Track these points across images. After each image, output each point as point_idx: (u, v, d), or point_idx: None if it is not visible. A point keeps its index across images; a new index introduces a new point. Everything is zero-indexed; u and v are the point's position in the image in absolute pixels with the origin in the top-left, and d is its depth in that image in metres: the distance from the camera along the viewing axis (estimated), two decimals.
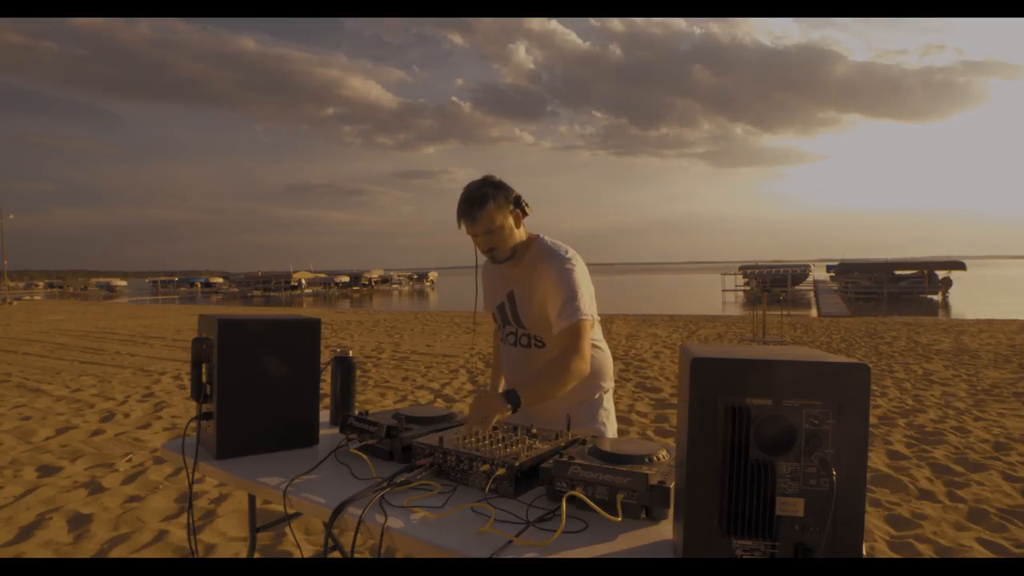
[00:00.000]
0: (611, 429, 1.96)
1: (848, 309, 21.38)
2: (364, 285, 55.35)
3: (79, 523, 3.17)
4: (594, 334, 1.92)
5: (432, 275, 67.07)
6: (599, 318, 1.95)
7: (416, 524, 1.21)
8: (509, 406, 1.59)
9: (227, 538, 2.99)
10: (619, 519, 1.18)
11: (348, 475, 1.48)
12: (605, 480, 1.23)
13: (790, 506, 0.94)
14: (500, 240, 1.79)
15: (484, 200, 1.75)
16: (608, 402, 1.98)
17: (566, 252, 1.84)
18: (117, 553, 2.84)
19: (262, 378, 1.69)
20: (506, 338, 1.97)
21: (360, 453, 1.59)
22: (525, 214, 1.84)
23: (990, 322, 14.40)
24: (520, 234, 1.85)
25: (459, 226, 1.82)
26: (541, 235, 1.91)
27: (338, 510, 1.27)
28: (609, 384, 1.99)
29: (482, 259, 1.95)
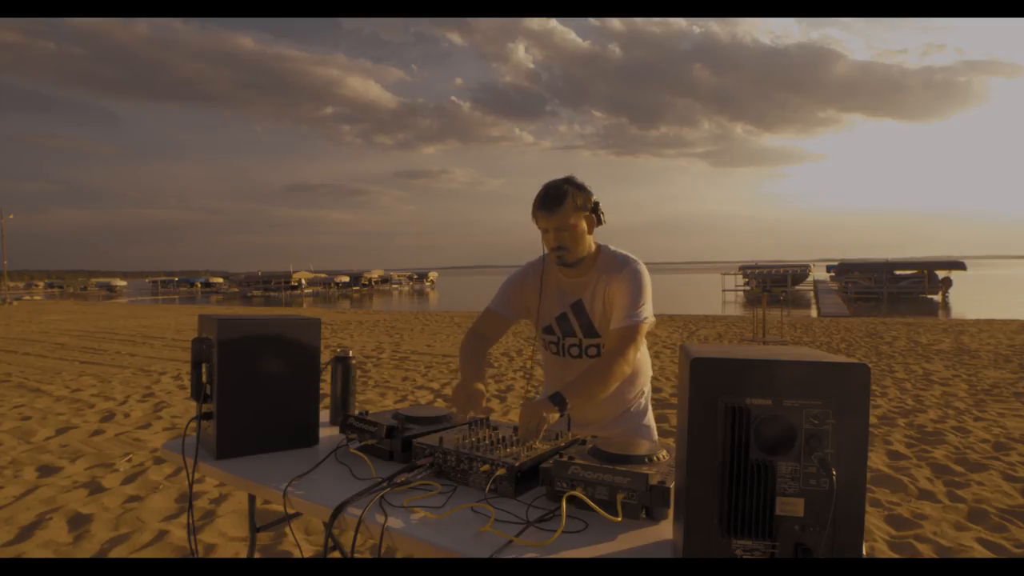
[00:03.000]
0: (654, 426, 2.00)
1: (848, 309, 21.38)
2: (364, 285, 55.36)
3: (79, 523, 3.17)
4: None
5: (432, 275, 67.08)
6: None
7: (416, 524, 1.21)
8: (556, 409, 1.57)
9: (227, 538, 2.99)
10: (619, 519, 1.18)
11: (348, 475, 1.48)
12: (605, 480, 1.23)
13: (790, 506, 0.93)
14: (571, 240, 1.78)
15: (564, 196, 1.74)
16: (649, 408, 2.01)
17: (637, 262, 1.85)
18: (117, 553, 2.84)
19: (262, 378, 1.69)
20: (567, 350, 1.91)
21: (360, 453, 1.59)
22: (600, 222, 1.83)
23: (990, 322, 14.40)
24: (590, 241, 1.84)
25: (534, 219, 1.81)
26: (606, 244, 1.90)
27: (338, 510, 1.27)
28: (649, 389, 2.02)
29: (537, 262, 1.94)
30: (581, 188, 1.79)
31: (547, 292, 1.94)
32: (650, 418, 2.01)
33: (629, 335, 1.73)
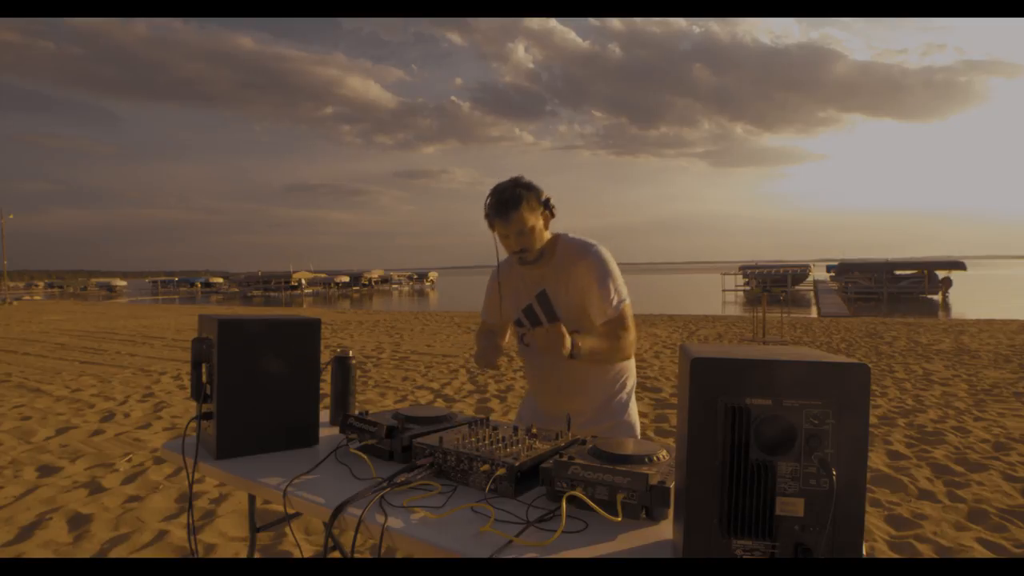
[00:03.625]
0: (637, 422, 2.02)
1: (848, 309, 21.38)
2: (364, 285, 55.36)
3: (79, 523, 3.17)
4: None
5: (432, 275, 67.09)
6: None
7: (416, 524, 1.21)
8: (570, 349, 1.67)
9: (227, 538, 2.99)
10: (619, 519, 1.18)
11: (348, 475, 1.48)
12: (605, 480, 1.23)
13: (790, 506, 0.93)
14: (530, 241, 1.81)
15: (518, 201, 1.77)
16: (632, 401, 2.03)
17: (595, 244, 1.88)
18: (117, 553, 2.84)
19: (262, 378, 1.69)
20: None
21: (360, 453, 1.59)
22: (552, 215, 1.87)
23: (990, 322, 14.40)
24: (547, 235, 1.87)
25: (491, 227, 1.83)
26: (564, 232, 1.93)
27: (338, 510, 1.27)
28: (634, 381, 2.05)
29: (500, 262, 1.98)
30: (531, 187, 1.82)
31: (510, 289, 2.00)
32: (632, 414, 1.99)
33: (620, 323, 1.82)
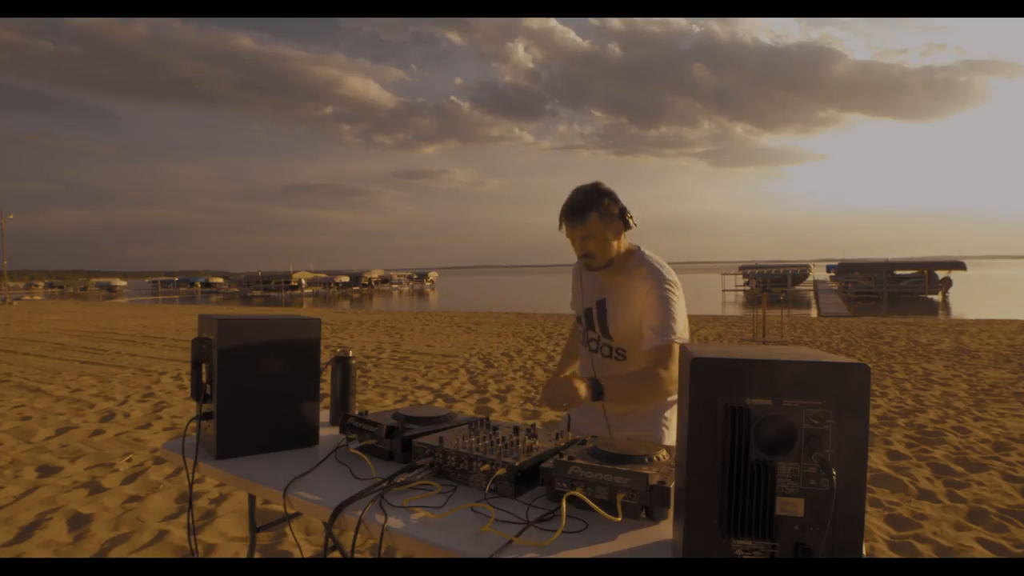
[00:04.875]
0: (670, 438, 1.94)
1: (848, 309, 21.38)
2: (364, 285, 55.36)
3: (79, 523, 3.17)
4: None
5: (432, 275, 67.09)
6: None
7: (416, 524, 1.21)
8: (591, 394, 1.63)
9: (227, 538, 2.99)
10: (619, 519, 1.18)
11: (348, 475, 1.48)
12: (605, 480, 1.23)
13: (790, 506, 0.93)
14: (597, 248, 1.80)
15: (589, 206, 1.76)
16: (672, 412, 1.96)
17: (669, 273, 1.82)
18: (117, 553, 2.84)
19: (262, 378, 1.69)
20: (588, 342, 1.97)
21: (360, 453, 1.59)
22: (628, 227, 1.84)
23: (990, 322, 14.40)
24: (619, 246, 1.84)
25: (560, 227, 1.83)
26: (642, 248, 1.89)
27: (338, 510, 1.27)
28: (675, 396, 1.98)
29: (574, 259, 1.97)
30: (606, 195, 1.79)
31: (584, 287, 1.99)
32: (664, 424, 1.94)
33: (666, 354, 1.72)
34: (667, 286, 1.78)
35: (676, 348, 1.73)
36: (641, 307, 1.79)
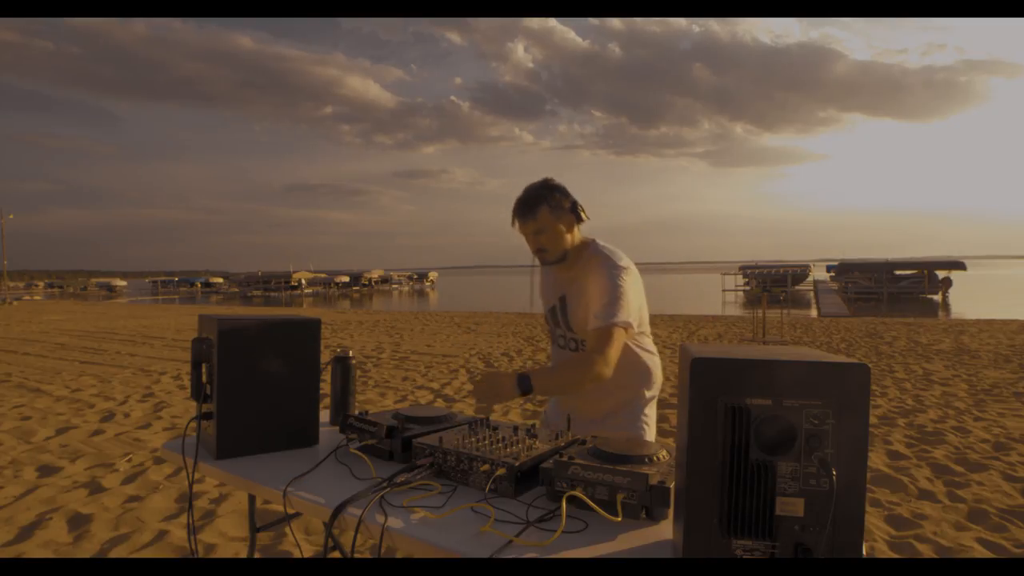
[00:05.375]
0: (651, 435, 1.94)
1: (848, 309, 21.38)
2: (364, 285, 55.36)
3: (79, 523, 3.17)
4: (646, 343, 1.92)
5: (432, 275, 67.10)
6: (649, 333, 1.95)
7: (416, 524, 1.21)
8: (519, 391, 1.59)
9: (227, 538, 2.99)
10: (619, 519, 1.18)
11: (348, 475, 1.48)
12: (605, 480, 1.23)
13: (790, 506, 0.93)
14: (549, 242, 1.81)
15: (539, 202, 1.78)
16: (651, 408, 1.95)
17: (620, 259, 1.82)
18: (117, 553, 2.84)
19: (262, 378, 1.69)
20: (556, 340, 1.99)
21: (360, 453, 1.59)
22: (580, 220, 1.85)
23: (990, 322, 14.40)
24: (572, 239, 1.85)
25: (512, 224, 1.84)
26: (596, 239, 1.90)
27: (338, 510, 1.27)
28: (655, 392, 1.97)
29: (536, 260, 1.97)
30: (556, 189, 1.81)
31: (547, 286, 2.01)
32: (648, 423, 1.94)
33: (603, 336, 1.70)
34: (616, 271, 1.78)
35: (616, 332, 1.71)
36: (593, 295, 1.79)
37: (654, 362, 1.95)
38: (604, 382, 1.70)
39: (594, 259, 1.83)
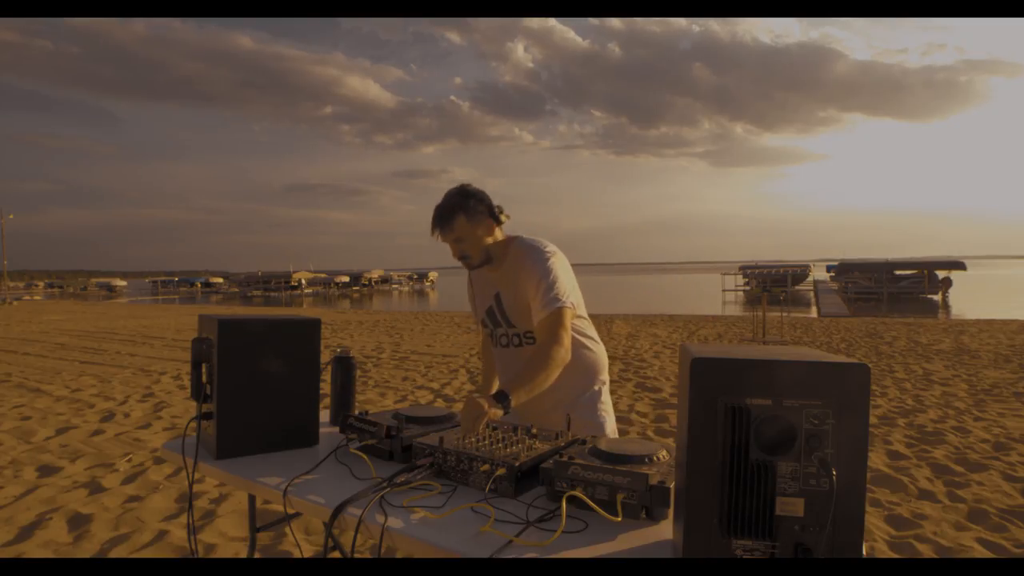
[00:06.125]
0: (610, 423, 1.97)
1: (848, 309, 21.38)
2: (364, 285, 55.36)
3: (79, 523, 3.17)
4: (587, 330, 1.95)
5: (432, 275, 67.10)
6: (588, 318, 1.98)
7: (416, 524, 1.21)
8: (500, 407, 1.59)
9: (227, 538, 2.99)
10: (619, 519, 1.18)
11: (348, 475, 1.48)
12: (605, 480, 1.23)
13: (790, 506, 0.93)
14: (470, 248, 1.85)
15: (454, 211, 1.80)
16: (606, 395, 2.00)
17: (545, 246, 1.86)
18: (117, 553, 2.84)
19: (262, 378, 1.69)
20: (499, 340, 1.99)
21: (360, 453, 1.59)
22: (499, 223, 1.88)
23: (990, 322, 14.41)
24: (493, 239, 1.88)
25: (432, 234, 1.86)
26: (521, 235, 1.94)
27: (338, 510, 1.27)
28: (606, 377, 2.01)
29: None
30: (470, 196, 1.83)
31: (479, 291, 2.03)
32: (606, 411, 1.95)
33: (554, 321, 1.74)
34: (544, 258, 1.81)
35: (564, 313, 1.75)
36: (526, 286, 1.82)
37: (600, 351, 1.99)
38: (565, 364, 1.73)
39: (521, 251, 1.87)
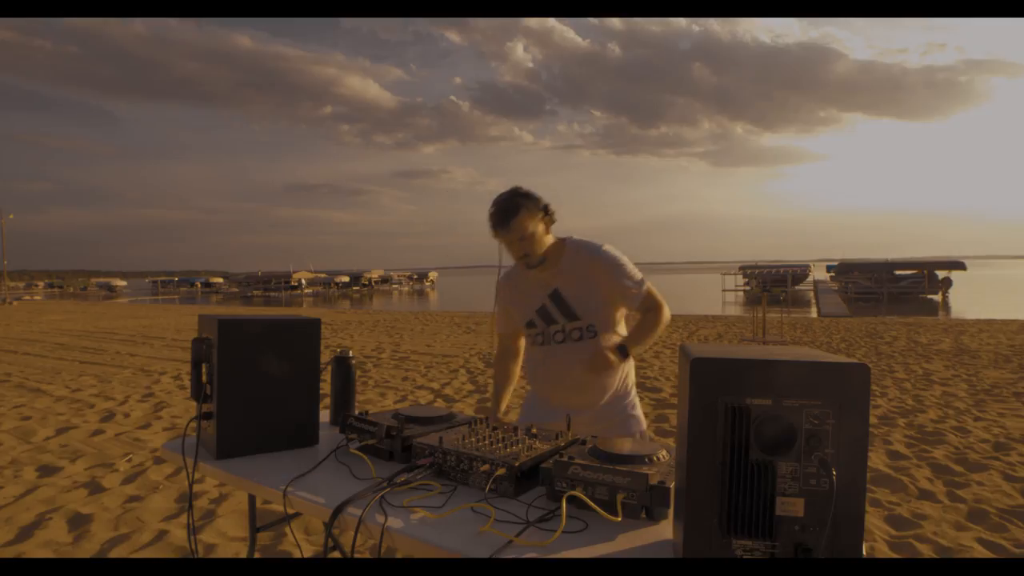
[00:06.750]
0: (641, 419, 2.09)
1: (848, 309, 21.38)
2: (364, 285, 55.36)
3: (79, 523, 3.17)
4: (620, 327, 2.06)
5: (432, 275, 67.08)
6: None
7: (416, 524, 1.21)
8: (622, 358, 1.88)
9: (227, 538, 2.99)
10: (619, 519, 1.18)
11: (348, 475, 1.48)
12: (605, 480, 1.23)
13: (790, 506, 0.93)
14: (531, 246, 1.91)
15: (517, 209, 1.88)
16: (635, 398, 2.12)
17: (601, 242, 2.01)
18: (117, 553, 2.84)
19: (262, 378, 1.69)
20: (551, 338, 2.02)
21: (360, 453, 1.59)
22: (553, 220, 1.98)
23: (990, 322, 14.40)
24: (549, 239, 1.98)
25: (494, 235, 1.94)
26: (570, 235, 2.05)
27: (338, 510, 1.27)
28: (633, 377, 2.14)
29: (502, 275, 2.11)
30: (529, 196, 1.92)
31: (519, 295, 2.10)
32: (635, 404, 2.09)
33: (649, 292, 1.98)
34: (607, 249, 1.98)
35: (650, 287, 2.00)
36: (596, 280, 1.96)
37: None
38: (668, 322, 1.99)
39: (580, 248, 2.00)
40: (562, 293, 1.99)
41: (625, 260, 1.98)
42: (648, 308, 1.99)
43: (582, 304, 1.97)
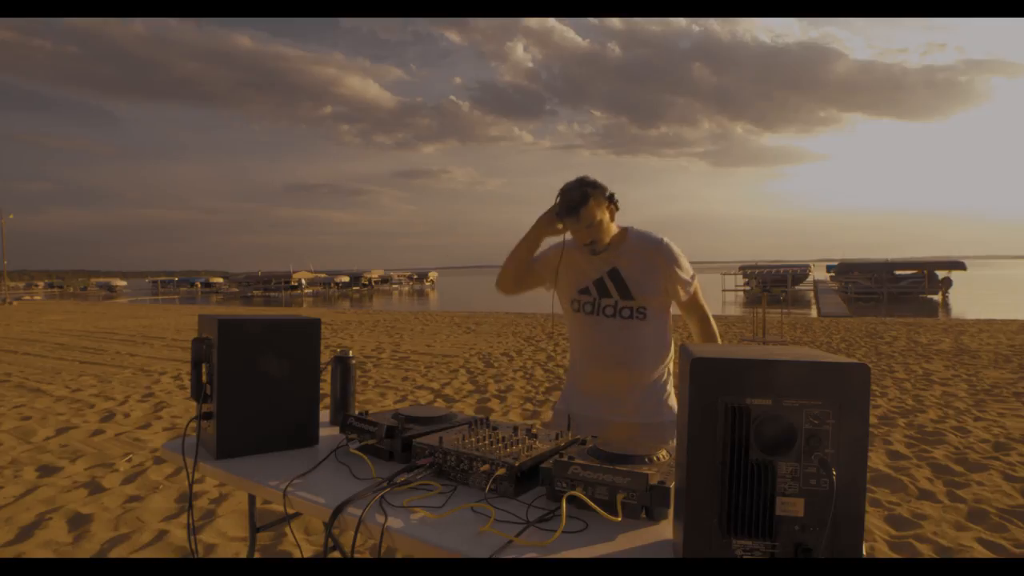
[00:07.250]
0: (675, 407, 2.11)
1: (848, 309, 21.38)
2: (364, 285, 55.36)
3: (79, 523, 3.17)
4: (667, 317, 2.13)
5: (432, 275, 67.09)
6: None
7: (416, 524, 1.21)
8: None
9: (227, 538, 2.99)
10: (619, 519, 1.18)
11: (348, 475, 1.48)
12: (605, 480, 1.23)
13: (790, 506, 0.93)
14: (599, 233, 1.97)
15: (586, 199, 1.92)
16: (671, 384, 2.14)
17: (661, 235, 2.08)
18: (117, 553, 2.84)
19: (262, 378, 1.69)
20: (601, 310, 2.08)
21: (360, 453, 1.59)
22: (617, 209, 2.03)
23: (990, 322, 14.41)
24: (614, 227, 2.04)
25: (560, 224, 2.00)
26: (632, 226, 2.11)
27: (338, 510, 1.27)
28: (672, 367, 2.15)
29: (571, 240, 2.12)
30: (596, 185, 1.97)
31: (582, 262, 2.13)
32: (672, 396, 2.11)
33: (696, 300, 2.09)
34: (669, 243, 2.05)
35: (698, 284, 2.10)
36: (655, 268, 2.02)
37: (671, 340, 2.17)
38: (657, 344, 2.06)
39: (642, 237, 2.07)
40: (621, 273, 2.06)
41: (682, 254, 2.07)
42: (698, 316, 2.11)
43: (638, 287, 2.03)
